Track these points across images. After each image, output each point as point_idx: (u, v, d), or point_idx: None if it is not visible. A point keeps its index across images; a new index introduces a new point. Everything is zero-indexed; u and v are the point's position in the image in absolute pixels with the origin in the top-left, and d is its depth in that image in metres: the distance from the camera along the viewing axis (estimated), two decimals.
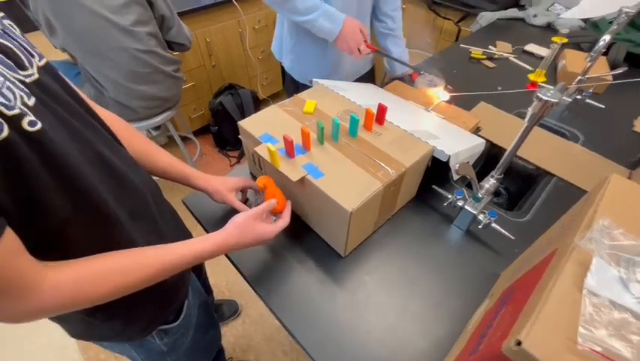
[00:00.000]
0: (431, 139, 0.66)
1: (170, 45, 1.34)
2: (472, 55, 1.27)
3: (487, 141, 0.89)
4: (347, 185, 0.55)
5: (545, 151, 0.86)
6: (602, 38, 0.74)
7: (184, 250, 0.45)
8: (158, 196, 0.56)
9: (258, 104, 2.00)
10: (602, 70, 1.07)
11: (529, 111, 0.51)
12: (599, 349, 0.24)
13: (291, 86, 1.24)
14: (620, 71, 0.96)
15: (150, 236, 0.49)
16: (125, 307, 0.47)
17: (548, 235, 0.46)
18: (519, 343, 0.26)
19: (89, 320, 0.46)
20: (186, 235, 0.67)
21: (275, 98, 2.36)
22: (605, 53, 1.18)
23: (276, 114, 0.70)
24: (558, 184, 0.79)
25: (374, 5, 1.08)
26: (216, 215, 0.71)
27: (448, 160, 0.63)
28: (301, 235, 0.67)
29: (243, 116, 1.78)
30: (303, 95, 0.76)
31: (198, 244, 0.47)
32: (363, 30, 0.92)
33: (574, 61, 1.10)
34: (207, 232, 0.68)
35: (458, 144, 0.68)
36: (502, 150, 0.87)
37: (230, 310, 1.32)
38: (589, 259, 0.29)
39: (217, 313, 1.29)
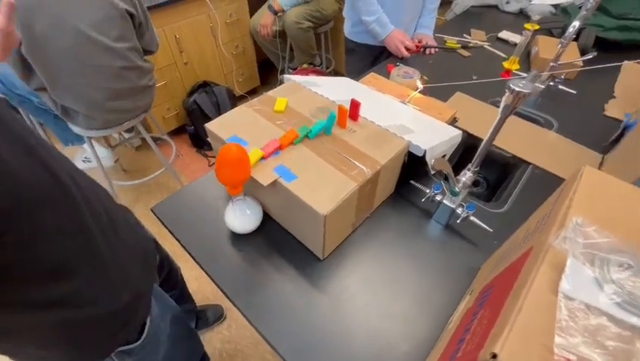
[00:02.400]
0: (407, 134, 0.65)
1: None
2: (447, 44, 1.26)
3: (464, 131, 0.88)
4: (321, 187, 0.53)
5: (521, 139, 0.86)
6: (571, 24, 0.74)
7: None
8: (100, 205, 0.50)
9: (235, 101, 1.95)
10: (572, 56, 1.08)
11: (502, 102, 0.50)
12: (574, 358, 0.23)
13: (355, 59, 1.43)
14: (590, 57, 0.97)
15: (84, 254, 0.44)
16: (71, 337, 0.44)
17: (525, 228, 0.45)
18: (494, 356, 0.24)
19: (40, 354, 0.43)
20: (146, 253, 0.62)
21: (252, 94, 2.30)
22: (576, 39, 1.19)
23: (246, 114, 0.67)
24: (534, 172, 0.79)
25: None
26: (190, 223, 0.68)
27: (424, 155, 0.61)
28: (278, 240, 0.65)
29: (220, 114, 1.72)
30: (273, 92, 0.73)
31: None
32: (406, 39, 1.21)
33: (546, 47, 1.11)
34: (180, 242, 0.65)
35: (434, 138, 0.67)
36: (479, 140, 0.87)
37: (215, 315, 1.29)
38: (564, 260, 0.28)
39: (201, 319, 1.25)
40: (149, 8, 1.49)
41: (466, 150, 0.97)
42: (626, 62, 1.15)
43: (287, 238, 0.65)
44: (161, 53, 1.66)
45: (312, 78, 0.81)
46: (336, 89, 0.79)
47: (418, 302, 0.56)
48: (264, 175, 0.54)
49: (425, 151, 0.60)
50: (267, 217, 0.66)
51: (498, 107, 0.51)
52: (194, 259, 0.63)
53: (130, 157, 1.96)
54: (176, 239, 0.66)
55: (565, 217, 0.32)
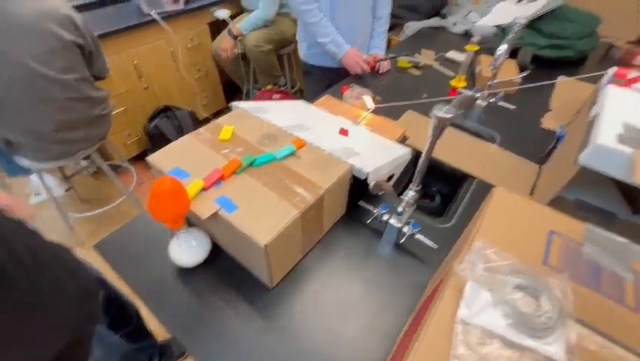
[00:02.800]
0: (352, 157, 0.66)
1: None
2: (398, 64, 1.32)
3: (414, 149, 0.92)
4: (262, 216, 0.53)
5: (466, 153, 0.90)
6: (499, 48, 0.80)
7: None
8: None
9: (199, 124, 1.93)
10: (512, 72, 1.16)
11: (430, 127, 0.52)
12: None
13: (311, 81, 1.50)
14: (525, 74, 1.05)
15: None
16: None
17: (453, 251, 0.47)
18: None
19: None
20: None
21: (219, 114, 2.28)
22: (515, 56, 1.28)
23: (190, 144, 0.67)
24: (478, 186, 0.83)
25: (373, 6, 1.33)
26: (136, 258, 0.65)
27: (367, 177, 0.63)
28: (228, 270, 0.63)
29: None
30: (221, 120, 0.73)
31: None
32: (361, 58, 1.26)
33: (487, 66, 1.19)
34: (124, 279, 0.62)
35: (379, 159, 0.69)
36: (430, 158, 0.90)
37: (180, 349, 1.22)
38: (465, 285, 0.29)
39: (165, 354, 1.19)
40: (103, 35, 1.48)
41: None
42: (560, 78, 1.25)
43: (236, 268, 0.63)
44: (119, 78, 1.63)
45: (262, 104, 0.82)
46: (286, 115, 0.80)
47: (368, 324, 0.57)
48: (204, 207, 0.54)
49: (368, 174, 0.62)
50: (216, 247, 0.65)
51: None
52: (140, 297, 0.60)
53: (89, 186, 1.88)
54: (121, 277, 0.63)
55: (472, 241, 0.33)
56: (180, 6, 1.73)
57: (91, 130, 1.24)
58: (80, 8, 1.71)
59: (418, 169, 0.60)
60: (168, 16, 1.69)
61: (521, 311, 0.27)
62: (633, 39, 1.56)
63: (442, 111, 0.49)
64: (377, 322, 0.57)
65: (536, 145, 0.94)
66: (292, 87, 2.23)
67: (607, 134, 0.50)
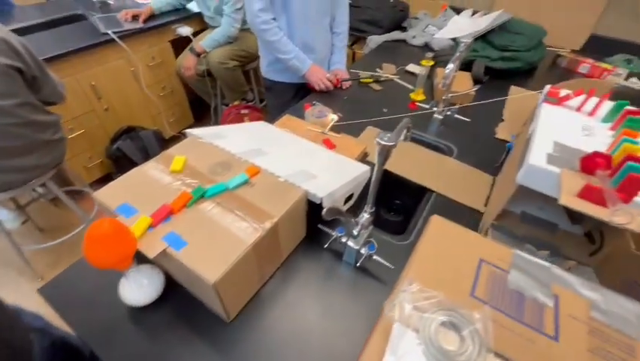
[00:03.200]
0: (308, 181, 0.66)
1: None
2: (361, 79, 1.35)
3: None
4: (212, 251, 0.52)
5: (425, 168, 0.93)
6: (447, 67, 0.83)
7: None
8: None
9: (165, 143, 1.88)
10: (467, 85, 1.21)
11: (377, 154, 0.54)
12: None
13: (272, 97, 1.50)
14: (477, 87, 1.10)
15: None
16: None
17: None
18: None
19: None
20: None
21: None
22: (469, 69, 1.34)
23: (140, 177, 0.65)
24: (437, 200, 0.85)
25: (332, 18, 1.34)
26: (85, 301, 0.62)
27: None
28: (184, 305, 0.61)
29: (149, 158, 1.64)
30: (173, 150, 0.71)
31: None
32: (325, 75, 1.28)
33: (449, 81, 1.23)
34: (71, 325, 0.59)
35: (336, 180, 0.69)
36: (390, 173, 0.92)
37: None
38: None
39: None
40: (57, 57, 1.42)
41: (381, 186, 1.02)
42: (512, 88, 1.32)
43: (193, 302, 0.62)
44: (75, 101, 1.57)
45: (218, 129, 0.81)
46: (243, 140, 0.80)
47: (327, 353, 0.56)
48: (151, 246, 0.52)
49: (322, 199, 0.62)
50: (172, 281, 0.63)
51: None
52: (88, 342, 0.57)
53: (49, 214, 1.78)
54: (67, 322, 0.60)
55: (404, 279, 0.34)
56: (139, 24, 1.69)
57: (43, 156, 1.18)
58: (31, 29, 1.65)
59: (370, 192, 0.61)
60: (127, 35, 1.65)
61: (444, 351, 0.28)
62: (577, 48, 1.67)
63: (384, 139, 0.50)
64: (336, 351, 0.57)
65: (491, 156, 0.98)
66: (261, 101, 2.22)
67: (538, 153, 0.52)
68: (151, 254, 0.51)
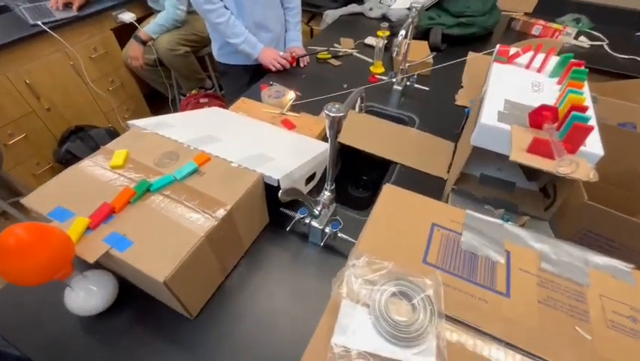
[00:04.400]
0: (263, 164, 0.63)
1: None
2: (318, 56, 1.30)
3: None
4: (161, 248, 0.48)
5: (388, 141, 0.92)
6: (400, 33, 0.81)
7: None
8: None
9: None
10: (425, 54, 1.20)
11: (327, 127, 0.51)
12: None
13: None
14: (434, 54, 1.09)
15: None
16: None
17: None
18: None
19: None
20: None
21: None
22: (427, 38, 1.33)
23: (76, 176, 0.59)
24: (401, 171, 0.85)
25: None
26: (29, 318, 0.56)
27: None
28: (143, 307, 0.57)
29: None
30: (111, 145, 0.65)
31: None
32: (278, 55, 1.21)
33: (402, 50, 1.21)
34: (16, 346, 0.54)
35: (295, 161, 0.67)
36: (353, 149, 0.90)
37: None
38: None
39: None
40: None
41: (344, 159, 1.01)
42: (470, 54, 1.32)
43: (153, 303, 0.58)
44: (9, 103, 1.42)
45: (163, 118, 0.75)
46: (192, 127, 0.74)
47: (297, 339, 0.55)
48: (90, 250, 0.47)
49: (278, 180, 0.59)
50: (128, 284, 0.58)
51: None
52: None
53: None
54: (11, 343, 0.54)
55: (353, 252, 0.32)
56: (73, 12, 1.53)
57: None
58: None
59: (327, 169, 0.59)
60: (60, 25, 1.49)
61: (395, 322, 0.26)
62: (529, 10, 1.70)
63: (332, 111, 0.48)
64: (306, 332, 0.55)
65: (452, 123, 0.98)
66: (221, 88, 2.12)
67: (489, 112, 0.52)
68: (90, 258, 0.46)
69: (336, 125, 0.49)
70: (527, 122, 0.49)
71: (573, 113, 0.43)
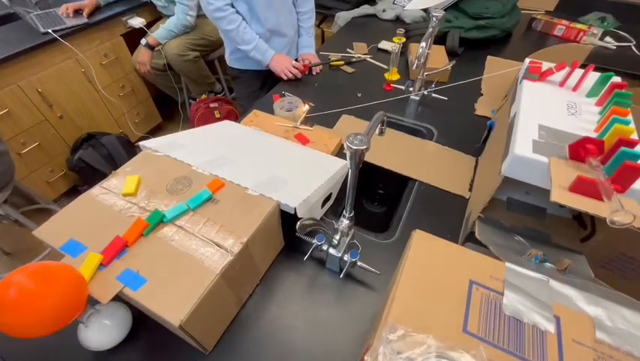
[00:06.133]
0: (278, 190, 0.60)
1: None
2: (331, 63, 1.27)
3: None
4: (175, 286, 0.46)
5: (405, 155, 0.88)
6: (420, 45, 0.77)
7: None
8: None
9: (132, 147, 1.76)
10: (442, 59, 1.15)
11: (347, 158, 0.48)
12: None
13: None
14: (452, 63, 1.04)
15: None
16: None
17: (387, 294, 0.43)
18: None
19: None
20: None
21: (156, 132, 2.11)
22: (444, 43, 1.28)
23: (87, 206, 0.57)
24: (420, 188, 0.81)
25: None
26: (41, 354, 0.56)
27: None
28: (157, 341, 0.56)
29: (116, 166, 1.54)
30: (122, 169, 0.63)
31: None
32: (291, 63, 1.18)
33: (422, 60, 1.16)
34: None
35: (310, 184, 0.64)
36: (370, 164, 0.87)
37: None
38: None
39: None
40: None
41: (362, 175, 0.97)
42: (489, 58, 1.26)
43: (167, 336, 0.56)
44: (22, 112, 1.43)
45: (175, 137, 0.73)
46: (204, 147, 0.72)
47: None
48: (104, 289, 0.46)
49: (295, 209, 0.57)
50: (142, 315, 0.57)
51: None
52: None
53: (14, 236, 1.66)
54: None
55: (386, 318, 0.29)
56: (83, 20, 1.52)
57: None
58: None
59: (347, 197, 0.56)
60: (71, 33, 1.49)
61: None
62: (551, 9, 1.62)
63: (355, 143, 0.45)
64: None
65: (472, 134, 0.93)
66: (231, 92, 2.10)
67: (523, 141, 0.48)
68: (104, 299, 0.45)
69: (358, 157, 0.46)
70: (567, 152, 0.45)
71: (622, 149, 0.39)
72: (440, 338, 0.27)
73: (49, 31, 1.43)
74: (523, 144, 0.47)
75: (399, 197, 0.92)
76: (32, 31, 1.44)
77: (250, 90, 1.36)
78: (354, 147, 0.44)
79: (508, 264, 0.34)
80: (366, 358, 0.26)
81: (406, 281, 0.32)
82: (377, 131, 0.58)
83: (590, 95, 0.56)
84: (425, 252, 0.35)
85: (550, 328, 0.29)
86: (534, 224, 0.58)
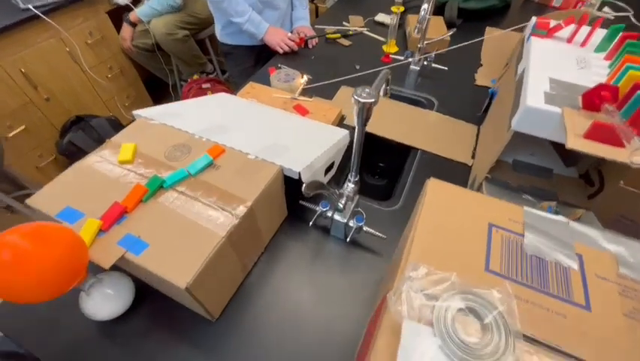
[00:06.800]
0: (280, 156, 0.59)
1: None
2: (327, 36, 1.23)
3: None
4: (179, 250, 0.45)
5: (406, 125, 0.87)
6: (422, 7, 0.74)
7: None
8: None
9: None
10: (441, 30, 1.12)
11: (354, 113, 0.46)
12: None
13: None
14: (452, 32, 1.02)
15: None
16: None
17: (398, 251, 0.43)
18: None
19: None
20: None
21: None
22: (442, 13, 1.25)
23: (82, 173, 0.55)
24: (423, 157, 0.80)
25: None
26: (43, 323, 0.54)
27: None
28: (161, 309, 0.55)
29: None
30: (117, 137, 0.61)
31: None
32: (286, 35, 1.15)
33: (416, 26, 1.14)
34: (36, 354, 0.51)
35: (313, 151, 0.62)
36: (371, 134, 0.85)
37: None
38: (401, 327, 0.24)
39: None
40: None
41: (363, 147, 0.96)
42: (487, 29, 1.24)
43: (171, 305, 0.55)
44: (5, 93, 1.37)
45: (171, 107, 0.70)
46: (201, 116, 0.69)
47: (324, 340, 0.52)
48: (105, 254, 0.44)
49: (299, 173, 0.55)
50: (145, 284, 0.56)
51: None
52: None
53: (6, 222, 1.62)
54: (25, 349, 0.52)
55: (406, 259, 0.28)
56: None
57: None
58: None
59: (352, 159, 0.55)
60: (53, 9, 1.41)
61: (466, 344, 0.23)
62: None
63: (362, 96, 0.43)
64: (333, 332, 0.53)
65: (473, 104, 0.92)
66: (223, 72, 2.05)
67: (535, 93, 0.47)
68: (106, 264, 0.43)
69: (366, 112, 0.45)
70: (580, 103, 0.44)
71: (638, 92, 0.38)
72: (463, 276, 0.26)
73: (30, 7, 1.36)
74: (534, 96, 0.46)
75: (400, 170, 0.91)
76: (11, 6, 1.37)
77: (243, 67, 1.32)
78: (363, 100, 0.43)
79: (526, 208, 0.33)
80: (388, 299, 0.25)
81: (424, 225, 0.31)
82: (381, 92, 0.57)
83: (598, 50, 0.55)
84: (441, 197, 0.34)
85: (574, 265, 0.28)
86: (541, 183, 0.58)
